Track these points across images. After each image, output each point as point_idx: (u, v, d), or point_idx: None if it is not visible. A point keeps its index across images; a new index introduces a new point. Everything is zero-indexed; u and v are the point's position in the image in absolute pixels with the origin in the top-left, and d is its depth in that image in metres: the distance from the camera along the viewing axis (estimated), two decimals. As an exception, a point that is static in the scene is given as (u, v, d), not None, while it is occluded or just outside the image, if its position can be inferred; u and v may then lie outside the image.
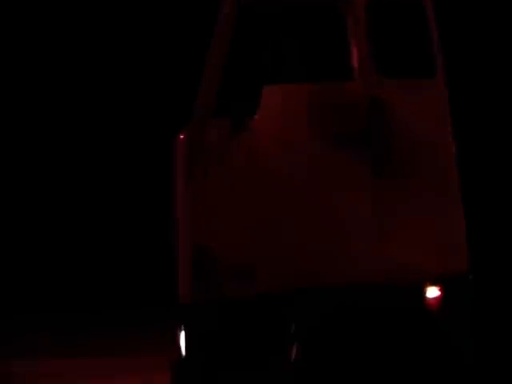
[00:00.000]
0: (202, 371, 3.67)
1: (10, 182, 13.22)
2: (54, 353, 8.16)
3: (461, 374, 3.71)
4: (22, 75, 13.30)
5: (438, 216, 3.91)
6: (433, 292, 3.77)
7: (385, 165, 3.94)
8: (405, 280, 3.76)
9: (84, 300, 11.98)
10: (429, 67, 4.06)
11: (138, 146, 13.07)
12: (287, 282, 3.73)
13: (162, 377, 4.96)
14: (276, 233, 3.77)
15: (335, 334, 3.70)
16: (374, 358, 3.68)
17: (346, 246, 3.80)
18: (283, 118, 3.85)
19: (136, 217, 12.92)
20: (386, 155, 3.94)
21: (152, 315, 10.09)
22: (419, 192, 3.92)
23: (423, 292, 3.76)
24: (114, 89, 13.06)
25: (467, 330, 3.76)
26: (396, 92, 3.99)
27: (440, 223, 3.90)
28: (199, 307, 3.68)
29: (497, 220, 4.18)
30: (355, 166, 3.89)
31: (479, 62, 4.42)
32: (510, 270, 4.09)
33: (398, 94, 3.99)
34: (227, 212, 3.77)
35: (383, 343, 3.68)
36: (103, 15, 13.11)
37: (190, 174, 3.79)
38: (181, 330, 3.72)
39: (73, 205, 13.32)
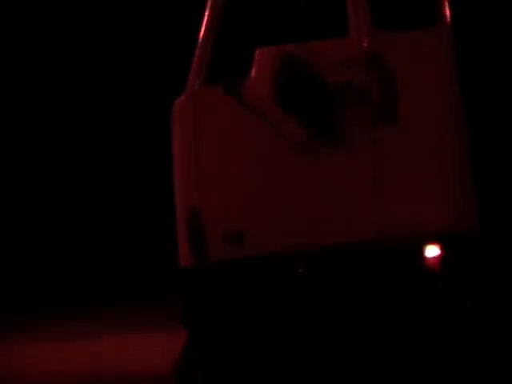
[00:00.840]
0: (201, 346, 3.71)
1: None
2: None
3: (462, 336, 3.59)
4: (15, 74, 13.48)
5: (442, 171, 3.77)
6: (432, 251, 3.65)
7: (385, 118, 3.82)
8: (404, 238, 3.66)
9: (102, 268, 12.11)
10: (429, 15, 3.92)
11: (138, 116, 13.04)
12: (281, 245, 3.71)
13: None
14: (268, 196, 3.74)
15: (334, 294, 3.65)
16: (372, 318, 3.61)
17: (341, 202, 3.72)
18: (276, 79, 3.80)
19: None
20: (387, 109, 3.82)
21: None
22: (422, 145, 3.78)
23: (422, 251, 3.64)
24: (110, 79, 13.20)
25: (468, 292, 3.63)
26: (395, 45, 3.87)
27: (444, 178, 3.76)
28: (193, 271, 3.72)
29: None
30: (354, 122, 3.80)
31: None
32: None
33: (397, 46, 3.87)
34: (219, 175, 3.78)
35: (380, 304, 3.60)
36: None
37: (184, 136, 3.83)
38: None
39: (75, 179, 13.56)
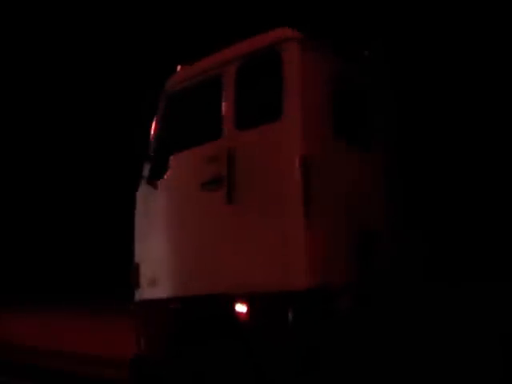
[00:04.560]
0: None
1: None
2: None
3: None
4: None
5: (277, 239, 4.57)
6: (241, 307, 4.60)
7: (238, 197, 4.89)
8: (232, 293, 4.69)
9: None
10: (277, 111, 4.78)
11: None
12: (179, 291, 5.24)
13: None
14: (170, 255, 5.34)
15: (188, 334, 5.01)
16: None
17: (209, 263, 5.00)
18: (179, 175, 5.39)
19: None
20: (240, 191, 4.89)
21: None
22: (261, 220, 4.70)
23: (233, 306, 4.63)
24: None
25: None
26: (248, 140, 4.92)
27: (278, 245, 4.55)
28: (137, 305, 5.61)
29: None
30: (217, 202, 5.02)
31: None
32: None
33: (250, 140, 4.91)
34: (148, 243, 5.60)
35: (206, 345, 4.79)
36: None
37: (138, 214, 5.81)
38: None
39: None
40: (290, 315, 4.37)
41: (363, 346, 4.76)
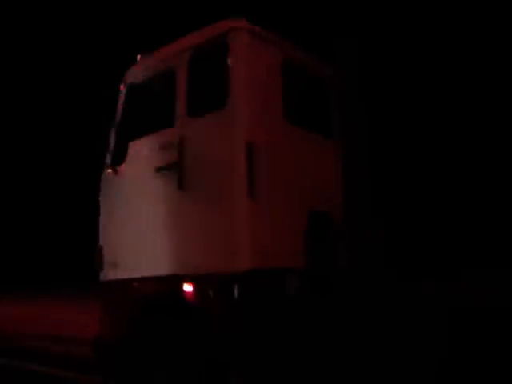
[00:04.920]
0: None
1: None
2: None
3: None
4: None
5: (223, 222, 4.77)
6: (188, 287, 4.83)
7: (188, 183, 5.10)
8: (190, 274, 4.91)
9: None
10: (224, 99, 4.97)
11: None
12: (136, 272, 5.48)
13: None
14: (128, 238, 5.58)
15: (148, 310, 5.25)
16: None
17: (162, 245, 5.21)
18: (137, 161, 5.60)
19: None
20: (190, 177, 5.10)
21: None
22: (209, 205, 4.92)
23: (181, 286, 4.87)
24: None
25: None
26: (197, 127, 5.12)
27: (224, 228, 4.75)
28: (102, 285, 5.87)
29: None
30: (170, 188, 5.24)
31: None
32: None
33: (199, 128, 5.11)
34: (109, 226, 5.84)
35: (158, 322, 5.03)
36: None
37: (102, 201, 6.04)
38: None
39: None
40: (232, 295, 4.58)
41: (309, 329, 4.95)
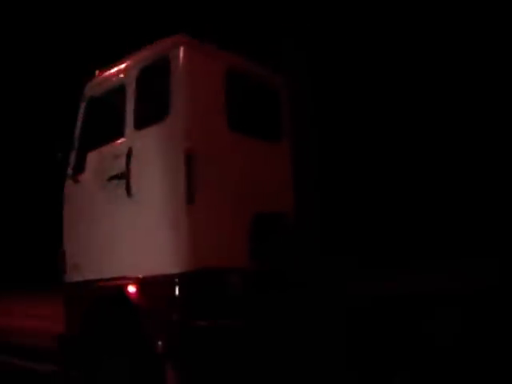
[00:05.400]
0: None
1: None
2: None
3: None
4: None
5: (165, 227, 5.11)
6: (132, 289, 5.18)
7: (135, 191, 5.45)
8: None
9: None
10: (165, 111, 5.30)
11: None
12: (92, 274, 5.84)
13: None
14: (85, 242, 5.95)
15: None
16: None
17: (113, 249, 5.58)
18: (93, 171, 5.97)
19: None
20: (136, 185, 5.45)
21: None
22: (153, 214, 5.27)
23: (126, 287, 5.21)
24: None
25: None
26: (142, 138, 5.47)
27: (166, 232, 5.09)
28: (65, 286, 6.24)
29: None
30: (120, 196, 5.59)
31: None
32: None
33: (143, 139, 5.46)
34: (71, 231, 6.22)
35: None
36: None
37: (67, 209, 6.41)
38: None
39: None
40: (170, 295, 4.92)
41: (255, 326, 5.24)
